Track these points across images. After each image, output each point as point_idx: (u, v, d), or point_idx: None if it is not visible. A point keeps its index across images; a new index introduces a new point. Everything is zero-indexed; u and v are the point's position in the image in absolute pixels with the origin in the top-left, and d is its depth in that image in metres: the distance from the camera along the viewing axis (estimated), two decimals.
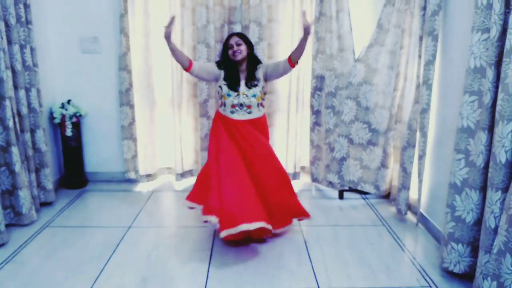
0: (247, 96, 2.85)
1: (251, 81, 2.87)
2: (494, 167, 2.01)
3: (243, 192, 2.70)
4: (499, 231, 1.92)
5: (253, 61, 2.92)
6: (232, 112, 2.87)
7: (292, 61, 2.84)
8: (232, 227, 2.50)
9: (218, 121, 2.96)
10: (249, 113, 2.89)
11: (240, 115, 2.87)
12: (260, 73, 2.91)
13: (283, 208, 2.86)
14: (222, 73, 2.91)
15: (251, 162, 2.82)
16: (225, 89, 2.87)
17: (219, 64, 2.93)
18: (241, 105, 2.86)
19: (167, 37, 2.76)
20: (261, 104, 2.94)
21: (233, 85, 2.86)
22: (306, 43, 2.80)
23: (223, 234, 2.51)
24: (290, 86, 3.82)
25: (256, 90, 2.88)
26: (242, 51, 2.83)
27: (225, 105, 2.89)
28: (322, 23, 3.49)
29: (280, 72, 2.92)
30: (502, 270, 1.88)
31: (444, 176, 2.74)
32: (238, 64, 2.88)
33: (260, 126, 2.97)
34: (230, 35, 2.91)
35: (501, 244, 1.89)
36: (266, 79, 2.94)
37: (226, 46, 2.88)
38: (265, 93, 2.97)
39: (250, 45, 2.90)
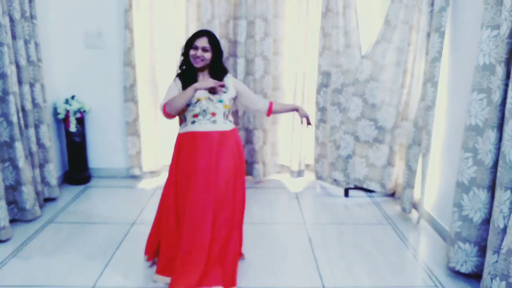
0: (211, 100, 2.28)
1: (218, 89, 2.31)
2: (503, 166, 1.98)
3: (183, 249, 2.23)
4: (508, 231, 1.89)
5: (218, 70, 2.38)
6: (193, 123, 2.28)
7: (272, 112, 2.52)
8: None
9: (177, 146, 2.37)
10: (213, 122, 2.28)
11: (202, 126, 2.26)
12: (229, 83, 2.39)
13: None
14: (179, 85, 2.33)
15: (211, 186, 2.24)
16: None
17: (179, 72, 2.40)
18: (204, 111, 2.27)
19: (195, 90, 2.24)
20: (227, 116, 2.35)
21: (187, 87, 2.26)
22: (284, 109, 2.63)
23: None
24: (295, 83, 3.79)
25: (224, 96, 2.31)
26: (205, 59, 2.28)
27: (185, 120, 2.32)
28: (328, 19, 3.45)
29: (251, 108, 2.50)
30: (511, 270, 1.85)
31: (451, 175, 2.71)
32: (199, 70, 2.35)
33: (230, 145, 2.32)
34: (199, 34, 2.31)
35: (510, 244, 1.86)
36: (235, 96, 2.42)
37: (191, 43, 2.30)
38: (230, 111, 2.40)
39: (218, 53, 2.34)
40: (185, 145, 2.31)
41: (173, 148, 2.40)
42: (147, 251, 2.54)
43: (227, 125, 2.34)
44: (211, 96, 2.29)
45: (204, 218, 2.22)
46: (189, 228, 2.23)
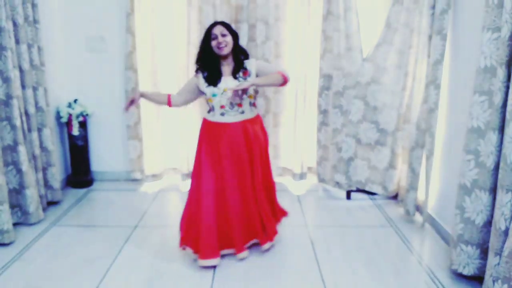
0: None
1: (240, 73, 2.50)
2: (504, 168, 1.98)
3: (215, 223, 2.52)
4: (510, 233, 1.89)
5: (240, 53, 2.56)
6: (223, 115, 2.49)
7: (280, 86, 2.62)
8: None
9: (203, 134, 2.58)
10: (242, 112, 2.51)
11: (232, 117, 2.49)
12: (252, 67, 2.53)
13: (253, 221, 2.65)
14: (200, 77, 2.54)
15: (246, 170, 2.55)
16: (208, 91, 2.50)
17: (198, 67, 2.57)
18: (230, 103, 2.47)
19: (136, 100, 2.58)
20: (254, 104, 2.59)
21: (213, 79, 2.48)
22: (265, 83, 2.50)
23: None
24: (297, 86, 3.80)
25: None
26: (228, 42, 2.45)
27: (213, 109, 2.52)
28: (329, 22, 3.46)
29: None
30: None
31: (453, 177, 2.71)
32: (222, 58, 2.51)
33: (259, 128, 2.63)
34: (213, 25, 2.49)
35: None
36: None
37: (208, 36, 2.46)
38: (257, 92, 2.61)
39: (235, 36, 2.52)
40: (215, 133, 2.51)
41: (199, 133, 2.61)
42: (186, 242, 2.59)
43: (253, 112, 2.58)
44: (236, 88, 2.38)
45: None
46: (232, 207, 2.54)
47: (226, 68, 2.52)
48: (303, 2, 3.63)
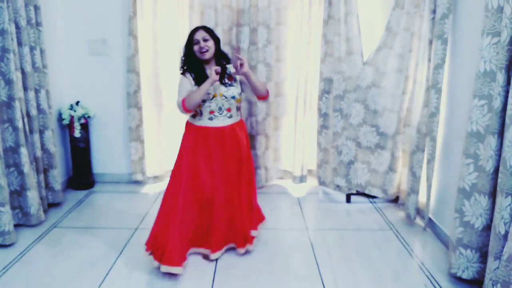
0: (225, 97, 2.49)
1: (227, 79, 2.54)
2: (504, 172, 1.99)
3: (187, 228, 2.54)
4: (509, 237, 1.89)
5: (222, 57, 2.57)
6: (211, 119, 2.50)
7: (259, 97, 2.63)
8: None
9: (190, 137, 2.55)
10: (230, 117, 2.54)
11: (220, 121, 2.51)
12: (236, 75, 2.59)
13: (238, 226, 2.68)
14: (190, 78, 2.51)
15: (232, 172, 2.59)
16: None
17: (184, 69, 2.56)
18: (220, 108, 2.49)
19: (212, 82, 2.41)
20: (239, 109, 2.63)
21: (200, 81, 2.45)
22: (255, 80, 2.53)
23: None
24: (297, 89, 3.81)
25: (235, 91, 2.53)
26: (209, 47, 2.46)
27: (201, 114, 2.51)
28: (330, 26, 3.48)
29: (248, 91, 2.65)
30: None
31: (452, 181, 2.71)
32: (205, 63, 2.52)
33: (244, 131, 2.68)
34: (195, 30, 2.50)
35: (511, 250, 1.86)
36: (241, 85, 2.63)
37: (191, 41, 2.48)
38: (240, 102, 2.63)
39: (217, 40, 2.53)
40: (201, 138, 2.51)
41: (183, 137, 2.61)
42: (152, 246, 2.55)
43: (238, 117, 2.63)
44: (225, 93, 2.49)
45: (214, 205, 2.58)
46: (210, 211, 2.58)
47: (210, 71, 2.46)
48: (304, 6, 3.65)
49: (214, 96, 2.47)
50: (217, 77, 2.40)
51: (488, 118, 2.17)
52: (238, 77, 2.60)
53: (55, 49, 3.65)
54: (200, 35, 2.46)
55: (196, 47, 2.47)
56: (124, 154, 4.02)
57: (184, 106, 2.40)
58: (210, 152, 2.52)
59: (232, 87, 2.53)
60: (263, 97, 2.64)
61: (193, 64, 2.52)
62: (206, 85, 2.37)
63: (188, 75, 2.52)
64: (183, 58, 2.55)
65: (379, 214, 3.43)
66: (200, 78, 2.47)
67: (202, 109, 2.49)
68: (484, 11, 2.13)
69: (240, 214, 2.66)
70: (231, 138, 2.54)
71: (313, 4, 3.63)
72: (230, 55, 3.52)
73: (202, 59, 2.50)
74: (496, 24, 2.08)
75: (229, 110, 2.52)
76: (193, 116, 2.57)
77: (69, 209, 3.45)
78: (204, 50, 2.45)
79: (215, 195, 2.57)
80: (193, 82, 2.49)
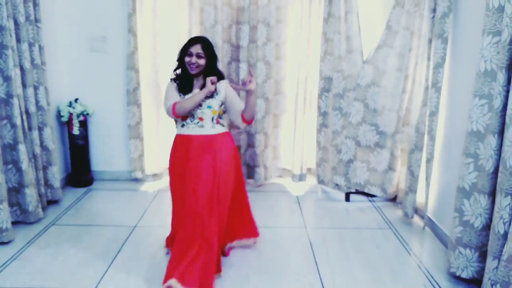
0: (200, 106, 2.37)
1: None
2: (503, 172, 1.98)
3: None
4: (509, 237, 1.89)
5: (210, 73, 2.44)
6: (182, 126, 2.42)
7: (245, 118, 2.44)
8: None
9: (173, 148, 2.51)
10: (201, 126, 2.39)
11: (190, 129, 2.39)
12: (222, 88, 2.44)
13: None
14: (175, 86, 2.47)
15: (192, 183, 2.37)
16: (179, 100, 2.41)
17: (175, 74, 2.51)
18: (192, 116, 2.39)
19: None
20: (217, 121, 2.43)
21: (185, 89, 2.42)
22: (254, 100, 2.41)
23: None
24: (297, 87, 3.81)
25: (213, 102, 2.39)
26: (200, 65, 2.37)
27: (176, 122, 2.49)
28: (330, 24, 3.47)
29: (231, 112, 2.50)
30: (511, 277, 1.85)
31: (452, 180, 2.71)
32: (194, 75, 2.45)
33: (217, 148, 2.38)
34: (193, 41, 2.41)
35: (511, 250, 1.86)
36: (224, 102, 2.48)
37: (186, 50, 2.40)
38: (224, 112, 2.50)
39: (212, 58, 2.43)
40: (177, 146, 2.47)
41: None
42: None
43: (216, 129, 2.42)
44: (201, 101, 2.36)
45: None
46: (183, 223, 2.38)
47: (197, 84, 2.45)
48: (304, 4, 3.64)
49: None
50: (213, 87, 2.34)
51: (488, 118, 2.16)
52: (223, 93, 2.43)
53: (54, 46, 3.64)
54: (196, 49, 2.36)
55: (187, 59, 2.38)
56: (123, 151, 4.01)
57: (174, 111, 2.33)
58: (180, 160, 2.42)
59: (210, 99, 2.39)
60: (249, 121, 2.48)
61: (182, 70, 2.47)
62: (200, 95, 2.32)
63: (173, 83, 2.48)
64: (177, 61, 2.49)
65: (378, 213, 3.43)
66: (184, 87, 2.42)
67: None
68: (484, 10, 2.13)
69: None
70: (198, 148, 2.37)
71: (313, 2, 3.63)
72: (225, 52, 3.51)
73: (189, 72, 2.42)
74: (497, 23, 2.08)
75: (201, 119, 2.38)
76: (176, 123, 2.52)
77: (68, 206, 3.44)
78: (193, 66, 2.37)
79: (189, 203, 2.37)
80: (177, 92, 2.44)
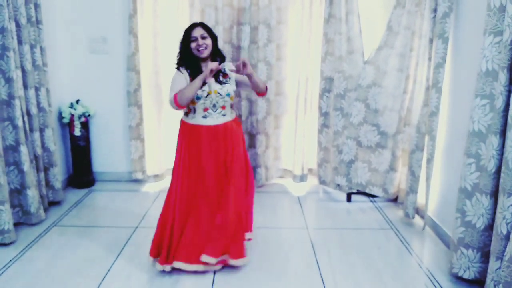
0: (220, 94, 2.43)
1: (221, 77, 2.48)
2: (506, 172, 1.98)
3: (196, 230, 2.49)
4: (511, 237, 1.89)
5: (218, 55, 2.52)
6: (205, 117, 2.44)
7: (258, 92, 2.58)
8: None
9: (184, 136, 2.51)
10: (224, 115, 2.48)
11: (214, 119, 2.45)
12: (231, 73, 2.54)
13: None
14: (186, 74, 2.45)
15: (225, 173, 2.51)
16: None
17: (180, 65, 2.49)
18: (214, 106, 2.43)
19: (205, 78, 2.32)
20: (232, 106, 2.58)
21: (197, 75, 2.39)
22: (256, 78, 2.49)
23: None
24: (298, 88, 3.81)
25: (230, 88, 2.48)
26: (208, 45, 2.41)
27: (195, 111, 2.45)
28: (331, 25, 3.47)
29: (244, 88, 2.66)
30: None
31: (453, 180, 2.71)
32: (201, 60, 2.47)
33: (239, 128, 2.59)
34: (192, 26, 2.44)
35: None
36: (236, 84, 2.58)
37: (188, 38, 2.41)
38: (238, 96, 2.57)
39: (214, 38, 2.48)
40: (195, 136, 2.46)
41: (178, 135, 2.55)
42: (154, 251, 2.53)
43: (232, 115, 2.56)
44: (219, 90, 2.43)
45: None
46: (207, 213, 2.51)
47: (204, 67, 2.45)
48: (305, 5, 3.64)
49: (209, 94, 2.41)
50: (210, 72, 2.30)
51: (490, 118, 2.16)
52: (234, 75, 2.55)
53: (55, 47, 3.64)
54: (198, 32, 2.40)
55: (193, 45, 2.41)
56: (124, 152, 4.01)
57: (176, 102, 2.31)
58: (201, 151, 2.46)
59: (227, 85, 2.48)
60: (263, 93, 2.62)
61: (189, 61, 2.46)
62: (198, 81, 2.30)
63: (183, 70, 2.46)
64: (178, 54, 2.49)
65: (379, 213, 3.43)
66: (196, 75, 2.39)
67: (196, 106, 2.43)
68: (486, 10, 2.13)
69: (233, 217, 2.51)
70: (225, 136, 2.47)
71: (314, 3, 3.62)
72: (226, 52, 3.53)
73: (199, 57, 2.44)
74: (499, 23, 2.07)
75: (223, 107, 2.47)
76: (186, 114, 2.52)
77: (69, 207, 3.45)
78: (202, 48, 2.40)
79: (206, 192, 2.50)
80: (188, 78, 2.43)
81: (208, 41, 2.42)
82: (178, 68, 2.49)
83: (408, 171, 3.20)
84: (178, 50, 2.52)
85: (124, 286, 2.36)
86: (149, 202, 3.58)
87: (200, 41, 2.39)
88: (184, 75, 2.45)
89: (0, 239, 2.74)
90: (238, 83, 2.59)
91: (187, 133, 2.49)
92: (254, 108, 3.78)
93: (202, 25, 2.45)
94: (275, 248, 2.82)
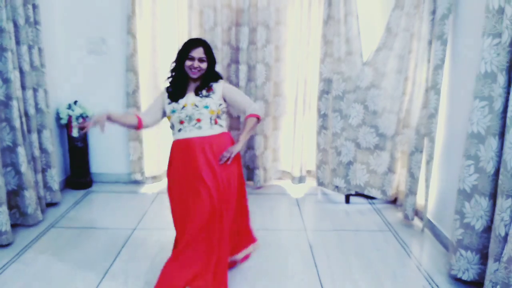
0: (196, 106, 2.26)
1: (203, 90, 2.32)
2: (504, 174, 1.98)
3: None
4: (509, 239, 1.89)
5: (210, 75, 2.36)
6: (180, 130, 2.29)
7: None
8: None
9: (170, 152, 2.39)
10: (198, 128, 2.26)
11: (187, 132, 2.26)
12: (219, 87, 2.35)
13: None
14: (166, 94, 2.37)
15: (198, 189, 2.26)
16: (169, 108, 2.31)
17: (170, 77, 2.41)
18: (190, 118, 2.26)
19: (101, 122, 2.34)
20: (215, 121, 2.31)
21: (176, 94, 2.32)
22: (250, 133, 2.39)
23: None
24: (297, 89, 3.81)
25: (210, 102, 2.28)
26: (202, 69, 2.29)
27: (173, 127, 2.34)
28: (330, 27, 3.47)
29: (235, 109, 2.56)
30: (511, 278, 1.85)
31: (452, 182, 2.71)
32: (191, 79, 2.34)
33: (217, 149, 2.27)
34: (194, 44, 2.29)
35: (511, 252, 1.85)
36: (225, 99, 2.37)
37: (186, 53, 2.28)
38: (223, 112, 2.38)
39: (212, 61, 2.34)
40: (176, 153, 2.33)
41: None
42: None
43: (214, 130, 2.30)
44: (197, 102, 2.26)
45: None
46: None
47: (192, 86, 2.36)
48: (303, 6, 3.64)
49: (184, 106, 2.28)
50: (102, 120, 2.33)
51: (488, 120, 2.16)
52: (220, 92, 2.35)
53: (53, 48, 3.63)
54: (198, 53, 2.26)
55: (188, 63, 2.28)
56: (122, 154, 4.00)
57: (140, 124, 2.38)
58: (178, 167, 2.31)
59: (208, 98, 2.29)
60: (257, 123, 2.46)
61: (178, 73, 2.36)
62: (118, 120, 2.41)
63: (164, 92, 2.39)
64: (173, 64, 2.37)
65: (378, 215, 3.43)
66: (177, 92, 2.33)
67: (172, 120, 2.32)
68: (484, 12, 2.13)
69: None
70: (203, 149, 2.25)
71: (312, 4, 3.63)
72: (225, 53, 3.51)
73: (189, 76, 2.32)
74: (497, 25, 2.08)
75: (198, 120, 2.27)
76: (172, 129, 2.39)
77: (67, 209, 3.43)
78: (195, 71, 2.28)
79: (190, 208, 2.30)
80: (167, 99, 2.35)
81: (204, 65, 2.29)
82: (167, 88, 2.40)
83: (407, 173, 3.20)
84: (173, 62, 2.38)
85: None
86: (147, 204, 3.57)
87: (196, 64, 2.26)
88: (164, 96, 2.38)
89: None
90: (227, 101, 2.39)
91: (172, 150, 2.38)
92: None
93: (204, 46, 2.30)
94: (273, 250, 2.82)
